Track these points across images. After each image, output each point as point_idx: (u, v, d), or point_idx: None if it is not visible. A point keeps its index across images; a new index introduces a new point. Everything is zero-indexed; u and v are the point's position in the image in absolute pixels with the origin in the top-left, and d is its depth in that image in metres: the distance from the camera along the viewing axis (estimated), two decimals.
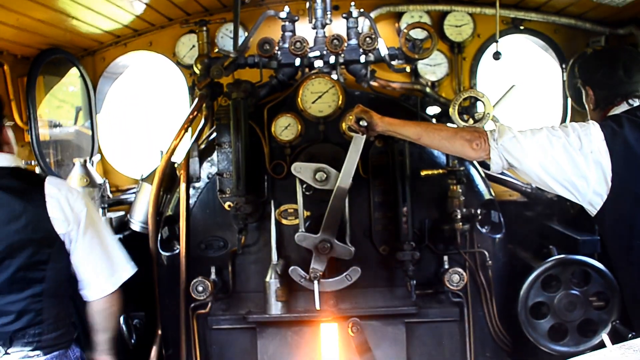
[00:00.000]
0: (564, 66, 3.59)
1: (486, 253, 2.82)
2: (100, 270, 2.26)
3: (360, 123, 2.35)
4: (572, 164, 2.08)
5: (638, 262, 2.08)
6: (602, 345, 1.71)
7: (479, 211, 2.77)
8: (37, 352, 2.14)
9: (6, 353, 2.11)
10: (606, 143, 2.07)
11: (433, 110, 3.30)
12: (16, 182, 2.16)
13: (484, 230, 2.88)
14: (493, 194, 2.96)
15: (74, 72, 3.72)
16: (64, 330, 2.23)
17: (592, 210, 2.15)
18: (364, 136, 2.41)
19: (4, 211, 2.11)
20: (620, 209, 2.08)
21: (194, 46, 3.58)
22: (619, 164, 2.06)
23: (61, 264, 2.21)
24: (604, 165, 2.07)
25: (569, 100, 3.60)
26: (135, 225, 3.06)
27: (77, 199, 2.23)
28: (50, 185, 2.19)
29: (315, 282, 2.52)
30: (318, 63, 2.94)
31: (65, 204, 2.19)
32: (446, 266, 2.74)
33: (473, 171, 2.90)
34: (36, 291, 2.13)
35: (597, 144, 2.07)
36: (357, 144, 2.43)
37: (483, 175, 2.97)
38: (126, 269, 2.35)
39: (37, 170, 3.23)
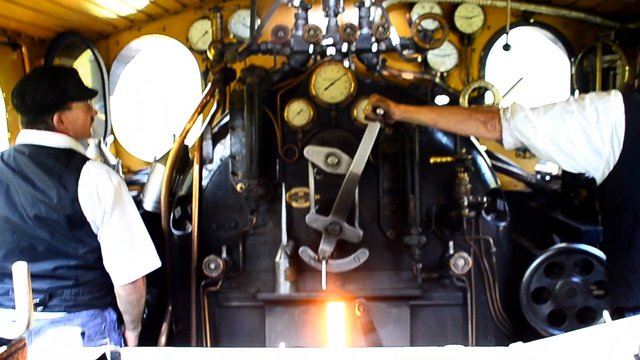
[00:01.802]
0: (572, 59, 3.63)
1: (490, 240, 2.86)
2: (121, 260, 2.31)
3: (377, 111, 2.39)
4: (586, 140, 2.04)
5: (626, 233, 2.07)
6: None
7: (484, 199, 2.79)
8: (75, 310, 2.28)
9: (46, 307, 2.25)
10: (625, 116, 2.00)
11: (442, 100, 3.34)
12: (58, 163, 2.26)
13: (489, 218, 2.92)
14: (499, 183, 3.00)
15: (88, 55, 3.78)
16: (100, 294, 2.36)
17: (600, 181, 2.12)
18: (379, 124, 2.46)
19: (39, 190, 2.23)
20: (622, 180, 2.06)
21: (207, 32, 3.62)
22: (633, 137, 2.01)
23: (94, 245, 2.30)
24: (619, 137, 2.02)
25: (577, 93, 3.64)
26: (148, 205, 3.11)
27: (107, 188, 2.27)
28: (86, 171, 2.27)
29: (323, 262, 2.59)
30: (330, 51, 2.96)
31: (94, 191, 2.26)
32: (451, 251, 2.79)
33: (480, 160, 2.93)
34: (70, 263, 2.27)
35: (615, 116, 2.01)
36: (372, 131, 2.49)
37: (490, 164, 3.01)
38: (148, 262, 2.37)
39: None
